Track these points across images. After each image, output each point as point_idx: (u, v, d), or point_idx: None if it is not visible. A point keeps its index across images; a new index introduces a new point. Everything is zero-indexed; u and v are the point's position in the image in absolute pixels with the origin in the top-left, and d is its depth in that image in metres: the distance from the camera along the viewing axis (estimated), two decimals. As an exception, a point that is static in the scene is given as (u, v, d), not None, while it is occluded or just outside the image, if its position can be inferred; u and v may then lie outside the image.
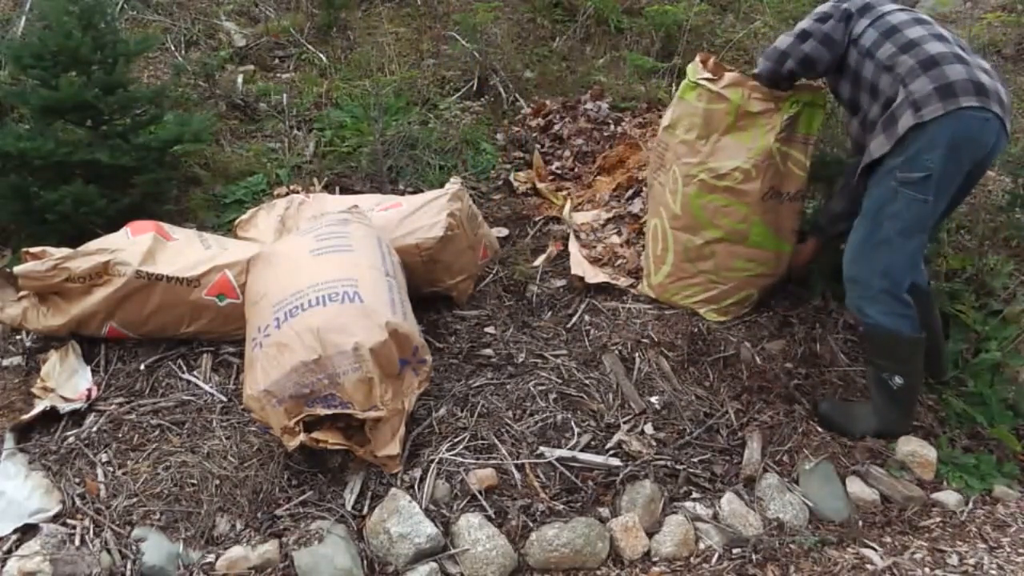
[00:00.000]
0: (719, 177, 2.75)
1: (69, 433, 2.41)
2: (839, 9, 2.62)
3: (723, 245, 2.83)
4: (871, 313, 2.56)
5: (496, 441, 2.46)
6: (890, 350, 2.59)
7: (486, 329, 2.89)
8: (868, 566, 2.32)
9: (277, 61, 4.35)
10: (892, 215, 2.45)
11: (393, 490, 2.29)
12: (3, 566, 2.04)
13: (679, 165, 2.83)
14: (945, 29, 2.55)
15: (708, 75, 2.79)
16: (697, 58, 2.87)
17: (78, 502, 2.22)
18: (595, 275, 3.08)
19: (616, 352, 2.77)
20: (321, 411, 2.26)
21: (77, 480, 2.28)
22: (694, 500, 2.46)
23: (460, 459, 2.39)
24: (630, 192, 3.52)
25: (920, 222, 2.47)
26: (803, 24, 2.66)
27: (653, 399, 2.65)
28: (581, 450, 2.47)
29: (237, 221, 3.03)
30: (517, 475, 2.38)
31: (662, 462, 2.49)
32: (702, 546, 2.36)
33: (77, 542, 2.13)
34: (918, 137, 2.37)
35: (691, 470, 2.50)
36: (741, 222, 2.78)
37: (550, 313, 2.99)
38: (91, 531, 2.16)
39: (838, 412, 2.74)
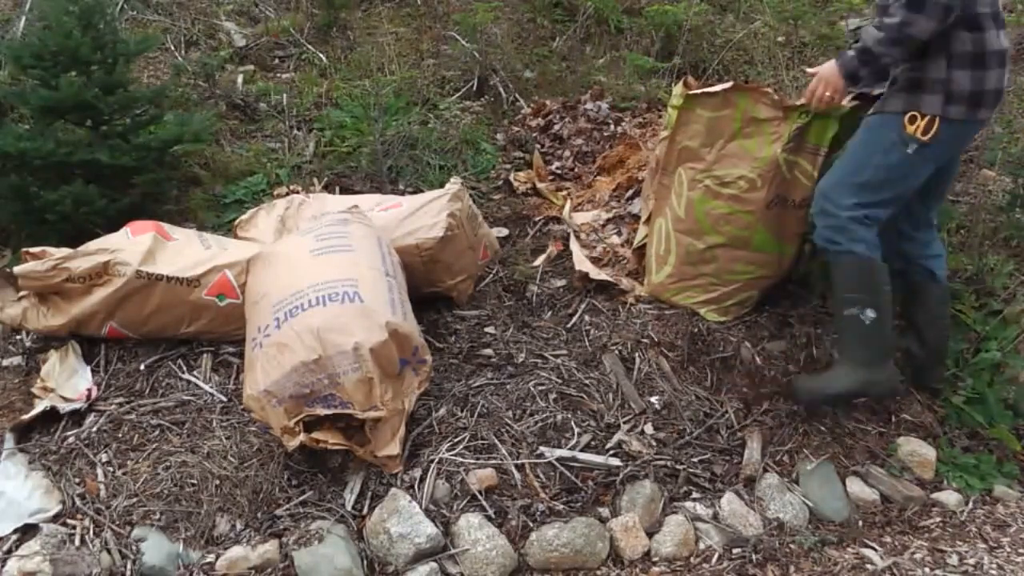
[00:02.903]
0: (724, 184, 2.74)
1: (69, 433, 2.41)
2: None
3: (725, 250, 2.82)
4: (841, 240, 2.48)
5: (496, 441, 2.46)
6: (860, 279, 2.51)
7: (486, 329, 2.89)
8: (868, 566, 2.32)
9: (277, 61, 4.35)
10: (879, 164, 2.45)
11: (393, 490, 2.29)
12: (3, 566, 2.04)
13: (684, 169, 2.83)
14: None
15: (705, 89, 2.78)
16: (681, 82, 2.85)
17: (78, 502, 2.22)
18: (598, 273, 3.08)
19: (616, 352, 2.77)
20: (321, 411, 2.26)
21: (77, 480, 2.28)
22: (694, 500, 2.46)
23: (460, 459, 2.39)
24: (630, 192, 3.52)
25: (904, 180, 2.47)
26: None
27: (653, 399, 2.65)
28: (581, 450, 2.47)
29: (237, 221, 3.02)
30: (517, 475, 2.38)
31: (662, 462, 2.49)
32: (702, 546, 2.36)
33: (77, 542, 2.13)
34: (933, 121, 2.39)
35: (691, 470, 2.51)
36: (744, 229, 2.78)
37: (550, 313, 2.99)
38: (91, 531, 2.16)
39: (811, 381, 2.67)
